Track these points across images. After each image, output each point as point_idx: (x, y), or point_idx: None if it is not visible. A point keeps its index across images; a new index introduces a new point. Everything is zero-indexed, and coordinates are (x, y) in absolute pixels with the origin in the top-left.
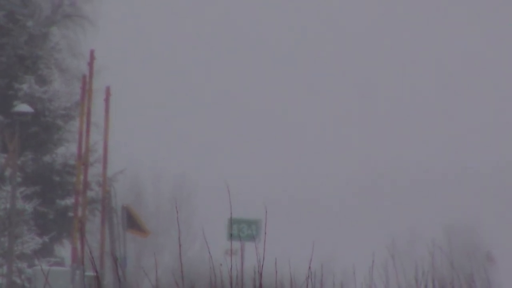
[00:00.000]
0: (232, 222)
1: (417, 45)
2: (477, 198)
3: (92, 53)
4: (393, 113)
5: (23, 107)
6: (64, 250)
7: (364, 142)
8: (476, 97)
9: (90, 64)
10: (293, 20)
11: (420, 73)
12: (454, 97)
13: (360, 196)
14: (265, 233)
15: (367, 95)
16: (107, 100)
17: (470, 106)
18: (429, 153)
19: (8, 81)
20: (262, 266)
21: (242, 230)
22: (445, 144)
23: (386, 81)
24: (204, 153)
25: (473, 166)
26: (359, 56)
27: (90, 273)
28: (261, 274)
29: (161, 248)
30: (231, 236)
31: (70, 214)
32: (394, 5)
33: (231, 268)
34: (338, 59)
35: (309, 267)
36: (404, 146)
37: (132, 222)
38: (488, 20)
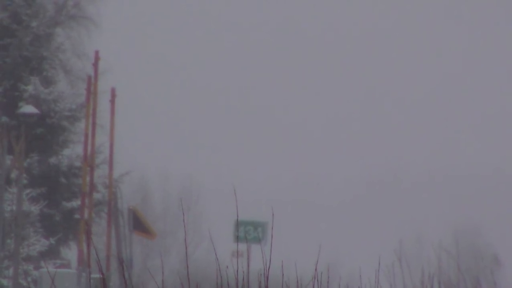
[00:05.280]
0: (238, 224)
1: (419, 47)
2: (482, 201)
3: (96, 54)
4: (396, 116)
5: (29, 108)
6: (70, 252)
7: (369, 145)
8: (479, 99)
9: (95, 65)
10: (296, 20)
11: (424, 74)
12: (456, 98)
13: (366, 198)
14: (272, 236)
15: (370, 97)
16: (112, 101)
17: (472, 106)
18: (433, 156)
19: (13, 82)
20: (269, 269)
21: (249, 232)
22: (450, 147)
23: (390, 81)
24: (210, 155)
25: (477, 169)
26: (360, 57)
27: (96, 275)
28: (267, 277)
29: (168, 250)
30: (237, 238)
31: (76, 216)
32: (395, 6)
33: (237, 270)
34: (340, 60)
35: (315, 269)
36: (407, 149)
37: (138, 224)
38: (488, 20)
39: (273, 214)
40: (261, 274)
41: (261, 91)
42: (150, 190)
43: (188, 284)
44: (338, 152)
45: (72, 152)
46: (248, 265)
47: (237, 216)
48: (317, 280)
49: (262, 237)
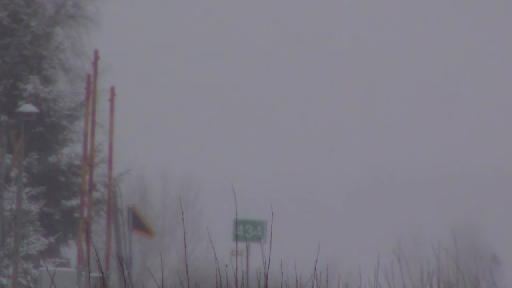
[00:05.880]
0: (237, 223)
1: (417, 45)
2: (481, 200)
3: (96, 53)
4: (394, 114)
5: (28, 107)
6: (70, 251)
7: (368, 143)
8: (477, 96)
9: (94, 64)
10: (293, 20)
11: (422, 72)
12: (454, 96)
13: (365, 197)
14: (271, 235)
15: (367, 96)
16: (112, 100)
17: (471, 104)
18: (431, 154)
19: (12, 81)
20: (268, 267)
21: (248, 231)
22: (447, 145)
23: (387, 80)
24: (209, 154)
25: (475, 167)
26: (359, 56)
27: (95, 274)
28: (266, 275)
29: (167, 249)
30: (236, 237)
31: (76, 214)
32: (393, 5)
33: (236, 269)
34: (337, 59)
35: (315, 268)
36: (406, 147)
37: (138, 223)
38: (489, 19)
39: (272, 213)
40: (260, 273)
41: (260, 90)
42: (149, 189)
43: (187, 283)
44: (336, 151)
45: (71, 151)
46: (248, 264)
47: (236, 214)
48: (317, 279)
49: (261, 235)
